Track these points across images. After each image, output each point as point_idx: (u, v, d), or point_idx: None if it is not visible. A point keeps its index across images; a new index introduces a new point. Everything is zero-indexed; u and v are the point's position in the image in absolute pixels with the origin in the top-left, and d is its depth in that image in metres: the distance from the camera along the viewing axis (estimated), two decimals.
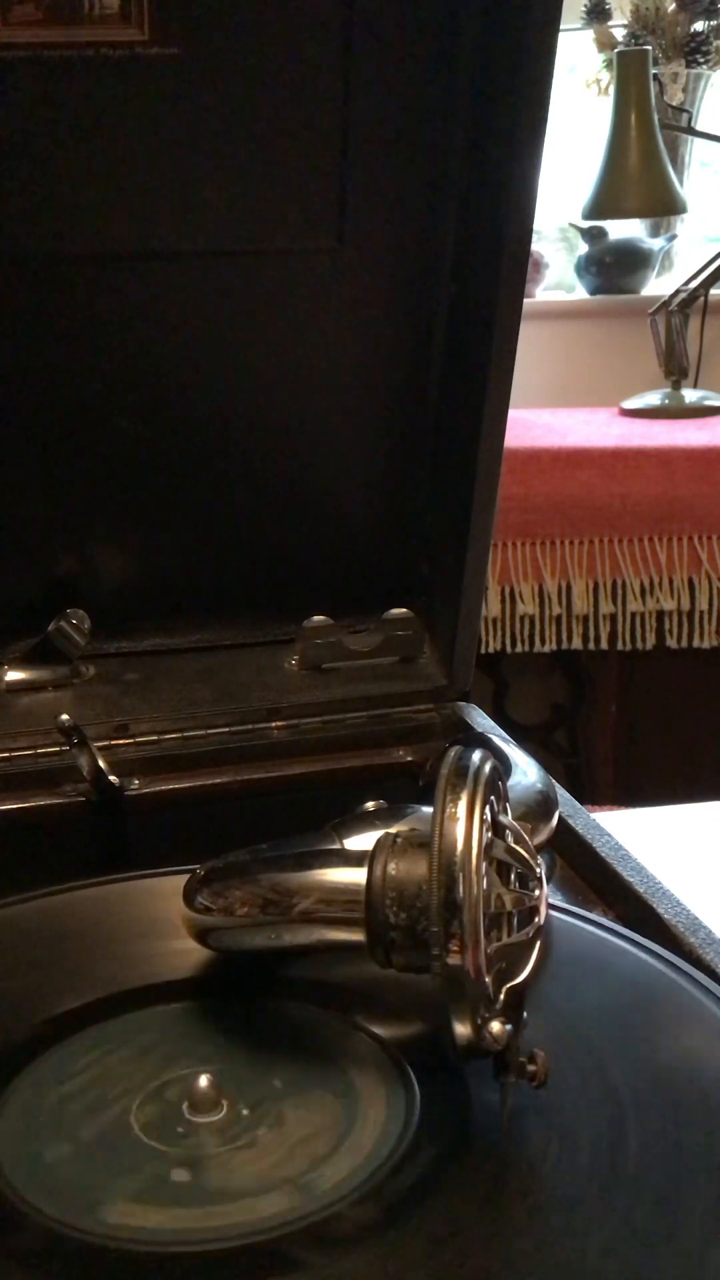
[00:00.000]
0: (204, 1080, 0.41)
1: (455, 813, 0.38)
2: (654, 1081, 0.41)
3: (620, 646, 1.72)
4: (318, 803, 0.55)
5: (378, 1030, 0.45)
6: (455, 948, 0.38)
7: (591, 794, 1.85)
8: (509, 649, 1.72)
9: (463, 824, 0.38)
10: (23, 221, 0.63)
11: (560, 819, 0.58)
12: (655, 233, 2.30)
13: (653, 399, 1.97)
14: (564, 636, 1.72)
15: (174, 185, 0.63)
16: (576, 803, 0.62)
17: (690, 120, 2.16)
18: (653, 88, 1.90)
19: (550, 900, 0.53)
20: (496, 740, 0.62)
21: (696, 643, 1.71)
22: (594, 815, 0.61)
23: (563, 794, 0.61)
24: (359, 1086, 0.42)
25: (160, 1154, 0.40)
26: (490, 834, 0.40)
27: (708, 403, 1.95)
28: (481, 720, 0.71)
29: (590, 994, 0.47)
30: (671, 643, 1.71)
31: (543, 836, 0.54)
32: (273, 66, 0.61)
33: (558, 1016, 0.45)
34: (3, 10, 0.57)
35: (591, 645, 1.72)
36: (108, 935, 0.52)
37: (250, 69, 0.61)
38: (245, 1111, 0.41)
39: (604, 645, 1.72)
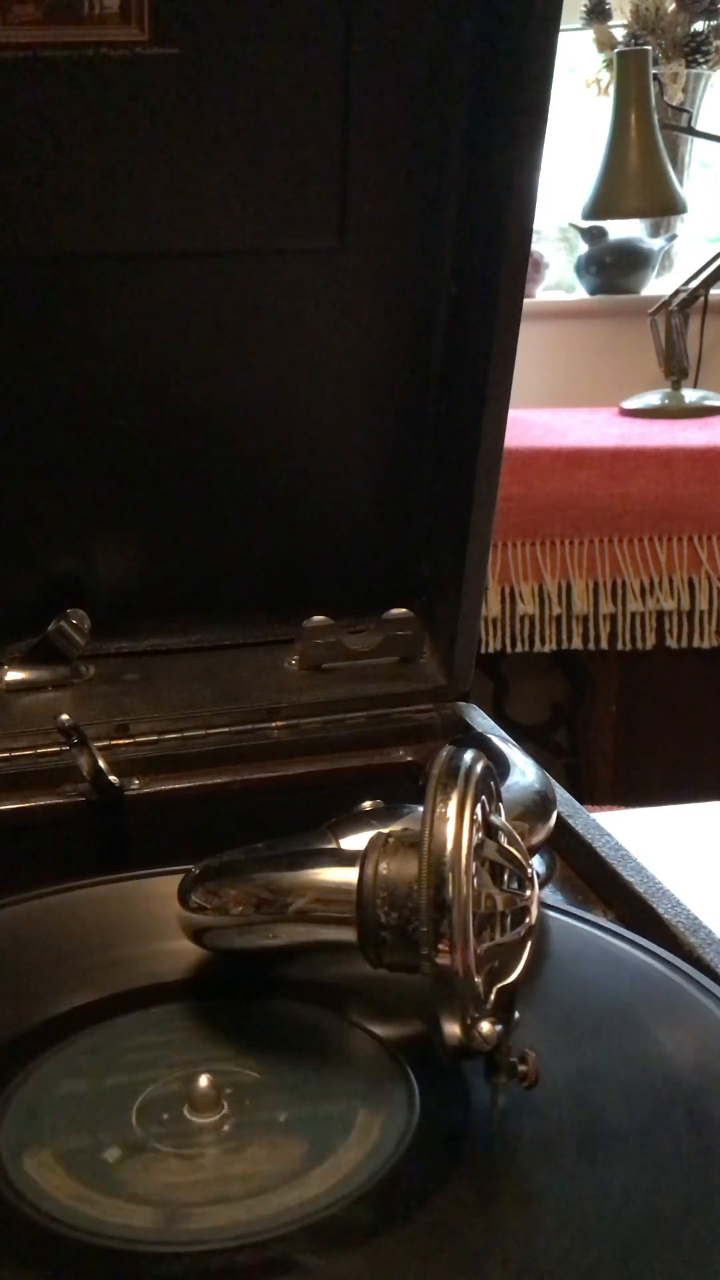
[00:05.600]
0: (204, 1080, 0.41)
1: (445, 813, 0.39)
2: (653, 1082, 0.41)
3: (620, 646, 1.72)
4: (317, 803, 0.55)
5: (376, 1029, 0.45)
6: (444, 947, 0.38)
7: (591, 794, 1.85)
8: (509, 649, 1.72)
9: (452, 824, 0.38)
10: (23, 221, 0.63)
11: (560, 819, 0.58)
12: (655, 233, 2.30)
13: (653, 399, 1.97)
14: (564, 636, 1.72)
15: (174, 185, 0.63)
16: (576, 803, 0.62)
17: (690, 120, 2.16)
18: (653, 88, 1.90)
19: (550, 900, 0.53)
20: (495, 740, 0.62)
21: (696, 643, 1.71)
22: (594, 815, 0.61)
23: (562, 794, 0.61)
24: (358, 1086, 0.42)
25: (160, 1154, 0.40)
26: (482, 834, 0.40)
27: (708, 403, 1.95)
28: (481, 720, 0.71)
29: (589, 994, 0.47)
30: (671, 643, 1.71)
31: (540, 837, 0.54)
32: (273, 66, 0.61)
33: (557, 1017, 0.45)
34: (3, 10, 0.57)
35: (591, 645, 1.72)
36: (108, 935, 0.52)
37: (250, 69, 0.61)
38: (244, 1111, 0.41)
39: (604, 645, 1.72)
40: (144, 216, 0.64)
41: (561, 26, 0.58)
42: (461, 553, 0.69)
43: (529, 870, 0.41)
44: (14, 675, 0.72)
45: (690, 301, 1.94)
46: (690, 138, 2.20)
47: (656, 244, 2.27)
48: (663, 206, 1.98)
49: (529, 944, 0.40)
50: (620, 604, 1.71)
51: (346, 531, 0.75)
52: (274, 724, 0.70)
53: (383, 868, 0.41)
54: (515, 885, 0.41)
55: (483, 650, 1.69)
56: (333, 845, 0.50)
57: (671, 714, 1.84)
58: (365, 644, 0.74)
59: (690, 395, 1.97)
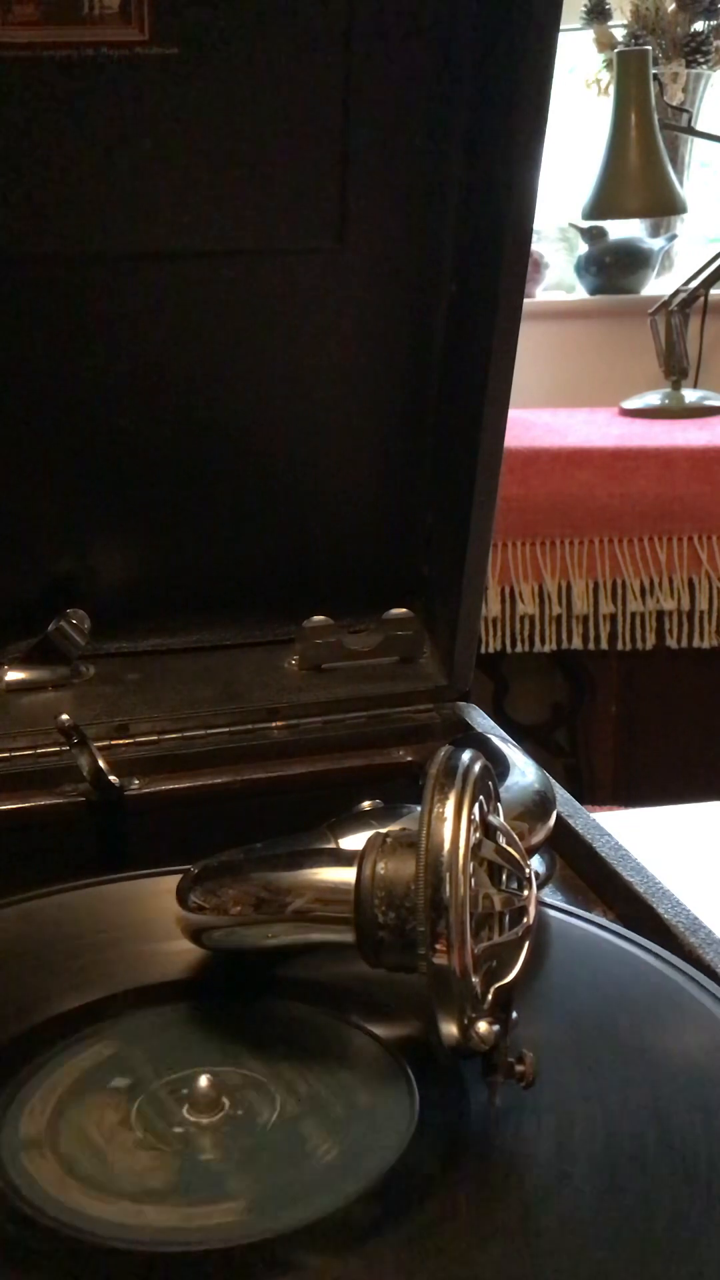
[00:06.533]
0: (203, 1080, 0.41)
1: (443, 813, 0.39)
2: (653, 1082, 0.41)
3: (620, 646, 1.72)
4: (318, 803, 0.55)
5: (376, 1029, 0.45)
6: (441, 947, 0.38)
7: (591, 794, 1.85)
8: (509, 649, 1.72)
9: (450, 824, 0.38)
10: (23, 221, 0.63)
11: (560, 819, 0.58)
12: (655, 233, 2.30)
13: (653, 399, 1.97)
14: (564, 636, 1.72)
15: (174, 185, 0.63)
16: (576, 803, 0.62)
17: (690, 120, 2.16)
18: (653, 88, 1.90)
19: (549, 900, 0.53)
20: (495, 740, 0.62)
21: (696, 643, 1.71)
22: (594, 815, 0.61)
23: (562, 794, 0.61)
24: (357, 1086, 0.42)
25: (160, 1154, 0.40)
26: (479, 834, 0.40)
27: (708, 403, 1.95)
28: (481, 720, 0.71)
29: (589, 994, 0.47)
30: (671, 643, 1.71)
31: (540, 837, 0.54)
32: (273, 66, 0.61)
33: (556, 1016, 0.45)
34: (3, 10, 0.57)
35: (591, 645, 1.72)
36: (107, 935, 0.52)
37: (250, 69, 0.61)
38: (244, 1111, 0.41)
39: (604, 645, 1.72)
40: (144, 216, 0.64)
41: (561, 26, 0.58)
42: (461, 553, 0.69)
43: (527, 870, 0.41)
44: (14, 675, 0.72)
45: (690, 301, 1.94)
46: (690, 138, 2.20)
47: (656, 244, 2.27)
48: (663, 206, 1.98)
49: (527, 944, 0.40)
50: (620, 604, 1.71)
51: (347, 531, 0.75)
52: (274, 724, 0.70)
53: (380, 868, 0.41)
54: (513, 885, 0.41)
55: (483, 650, 1.69)
56: (332, 845, 0.50)
57: (671, 714, 1.84)
58: (365, 644, 0.74)
59: (690, 395, 1.97)
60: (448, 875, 0.38)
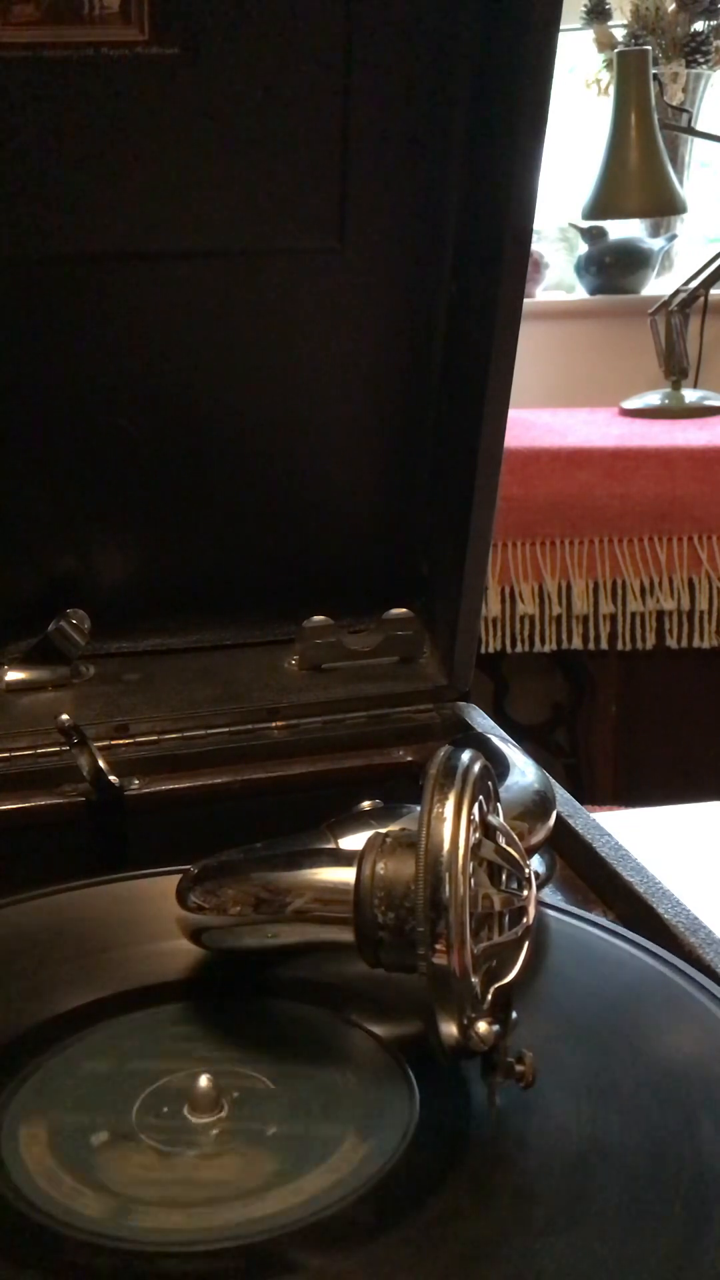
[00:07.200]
0: (203, 1080, 0.41)
1: (442, 813, 0.39)
2: (653, 1082, 0.41)
3: (620, 646, 1.72)
4: (318, 803, 0.55)
5: (376, 1029, 0.45)
6: (441, 947, 0.38)
7: (591, 794, 1.85)
8: (509, 649, 1.72)
9: (449, 824, 0.38)
10: (23, 221, 0.63)
11: (560, 819, 0.58)
12: (655, 233, 2.30)
13: (653, 399, 1.97)
14: (564, 636, 1.72)
15: (174, 185, 0.63)
16: (576, 803, 0.62)
17: (690, 120, 2.17)
18: (653, 88, 1.90)
19: (549, 900, 0.53)
20: (495, 740, 0.62)
21: (696, 643, 1.71)
22: (594, 815, 0.61)
23: (562, 794, 0.61)
24: (358, 1085, 0.42)
25: (160, 1154, 0.40)
26: (479, 834, 0.40)
27: (708, 403, 1.95)
28: (481, 720, 0.71)
29: (589, 994, 0.47)
30: (671, 643, 1.71)
31: (539, 837, 0.54)
32: (273, 66, 0.61)
33: (557, 1017, 0.45)
34: (3, 10, 0.57)
35: (591, 645, 1.72)
36: (107, 935, 0.52)
37: (250, 69, 0.61)
38: (244, 1111, 0.41)
39: (604, 645, 1.72)
40: (144, 216, 0.64)
41: (561, 26, 0.58)
42: (461, 553, 0.69)
43: (526, 870, 0.41)
44: (14, 675, 0.72)
45: (690, 301, 1.94)
46: (690, 138, 2.20)
47: (656, 244, 2.27)
48: (663, 206, 1.98)
49: (526, 944, 0.40)
50: (620, 604, 1.71)
51: (346, 531, 0.75)
52: (274, 724, 0.70)
53: (380, 868, 0.41)
54: (513, 885, 0.41)
55: (483, 650, 1.69)
56: (331, 845, 0.50)
57: (671, 714, 1.84)
58: (365, 644, 0.74)
59: (690, 395, 1.97)
60: (447, 875, 0.38)
